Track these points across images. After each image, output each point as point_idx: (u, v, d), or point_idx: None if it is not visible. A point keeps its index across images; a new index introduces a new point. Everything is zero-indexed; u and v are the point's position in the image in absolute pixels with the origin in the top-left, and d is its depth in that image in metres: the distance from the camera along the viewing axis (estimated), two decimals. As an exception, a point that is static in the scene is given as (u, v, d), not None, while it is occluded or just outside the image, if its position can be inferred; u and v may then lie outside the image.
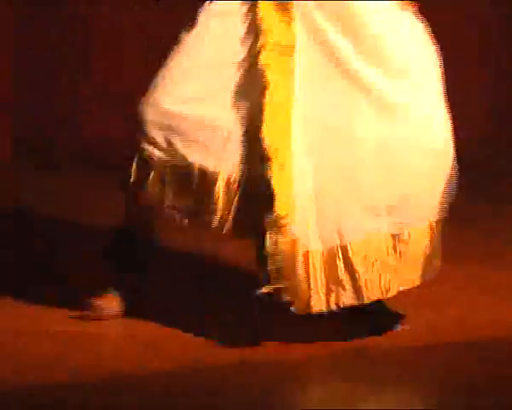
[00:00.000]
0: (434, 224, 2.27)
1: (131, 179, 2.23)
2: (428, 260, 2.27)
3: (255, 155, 2.16)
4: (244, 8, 2.19)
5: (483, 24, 5.23)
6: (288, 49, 2.17)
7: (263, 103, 2.14)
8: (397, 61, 2.22)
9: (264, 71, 2.15)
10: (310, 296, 2.16)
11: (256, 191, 2.15)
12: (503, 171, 4.29)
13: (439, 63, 2.26)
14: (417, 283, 2.29)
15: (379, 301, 2.29)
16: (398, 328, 2.38)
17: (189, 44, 2.21)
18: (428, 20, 2.31)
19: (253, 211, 2.15)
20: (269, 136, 2.13)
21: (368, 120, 2.19)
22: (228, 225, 2.18)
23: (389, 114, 2.20)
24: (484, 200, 3.86)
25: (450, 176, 2.27)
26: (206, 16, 2.21)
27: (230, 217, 2.17)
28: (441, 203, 2.28)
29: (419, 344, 2.36)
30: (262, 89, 2.14)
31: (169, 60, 2.23)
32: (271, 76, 2.15)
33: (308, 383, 2.22)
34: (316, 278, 2.17)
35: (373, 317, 2.35)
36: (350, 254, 2.18)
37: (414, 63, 2.23)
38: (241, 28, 2.20)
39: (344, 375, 2.19)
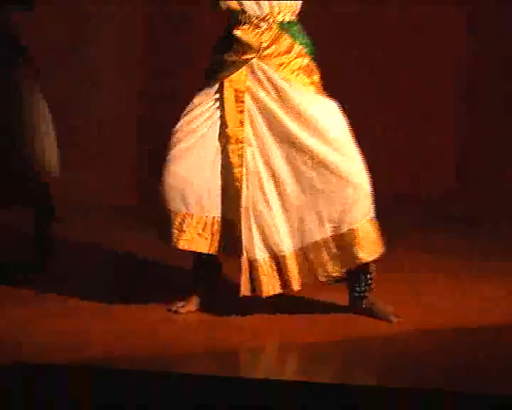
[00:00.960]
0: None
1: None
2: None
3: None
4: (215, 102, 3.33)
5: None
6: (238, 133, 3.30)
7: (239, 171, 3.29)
8: (323, 129, 3.26)
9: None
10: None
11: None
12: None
13: (346, 125, 3.31)
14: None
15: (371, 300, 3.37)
16: (393, 320, 3.35)
17: (186, 130, 3.32)
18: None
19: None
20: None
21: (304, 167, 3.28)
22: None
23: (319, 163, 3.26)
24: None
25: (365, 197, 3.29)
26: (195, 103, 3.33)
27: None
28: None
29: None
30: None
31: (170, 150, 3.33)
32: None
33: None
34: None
35: (371, 311, 3.37)
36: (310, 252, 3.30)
37: (333, 129, 3.28)
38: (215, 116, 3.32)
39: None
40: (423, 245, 4.62)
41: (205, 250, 3.31)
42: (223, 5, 3.32)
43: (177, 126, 3.33)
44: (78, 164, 5.30)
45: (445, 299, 3.71)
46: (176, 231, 3.29)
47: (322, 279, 3.31)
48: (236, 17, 3.30)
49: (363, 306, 3.38)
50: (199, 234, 3.29)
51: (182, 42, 6.09)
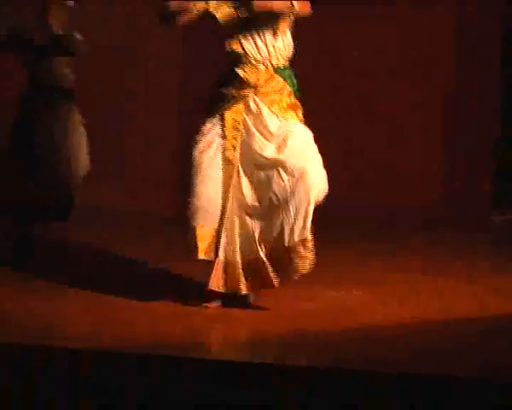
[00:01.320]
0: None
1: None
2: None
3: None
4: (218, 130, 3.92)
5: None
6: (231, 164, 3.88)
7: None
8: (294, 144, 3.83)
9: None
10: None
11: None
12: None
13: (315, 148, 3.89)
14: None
15: None
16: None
17: (200, 158, 3.88)
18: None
19: None
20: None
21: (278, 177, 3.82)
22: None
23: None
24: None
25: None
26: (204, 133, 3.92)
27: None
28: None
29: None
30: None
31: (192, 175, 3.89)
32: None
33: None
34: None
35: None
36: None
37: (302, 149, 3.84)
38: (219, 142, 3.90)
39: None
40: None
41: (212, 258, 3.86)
42: (228, 47, 3.85)
43: (194, 155, 3.87)
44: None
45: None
46: (200, 244, 3.82)
47: (265, 286, 3.85)
48: (239, 58, 3.84)
49: None
50: (214, 244, 3.84)
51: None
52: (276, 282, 3.80)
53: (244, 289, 3.84)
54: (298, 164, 3.75)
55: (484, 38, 6.68)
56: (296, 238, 3.73)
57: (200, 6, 3.82)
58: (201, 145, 3.86)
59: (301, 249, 3.75)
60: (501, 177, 6.78)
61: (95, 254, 5.18)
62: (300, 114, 3.91)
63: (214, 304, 3.93)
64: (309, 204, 3.73)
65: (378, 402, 2.88)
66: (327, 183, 3.84)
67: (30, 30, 5.01)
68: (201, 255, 3.83)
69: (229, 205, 3.82)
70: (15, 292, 4.27)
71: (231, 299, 3.91)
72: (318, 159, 3.84)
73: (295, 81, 3.93)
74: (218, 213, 3.82)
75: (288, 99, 3.87)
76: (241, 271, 3.82)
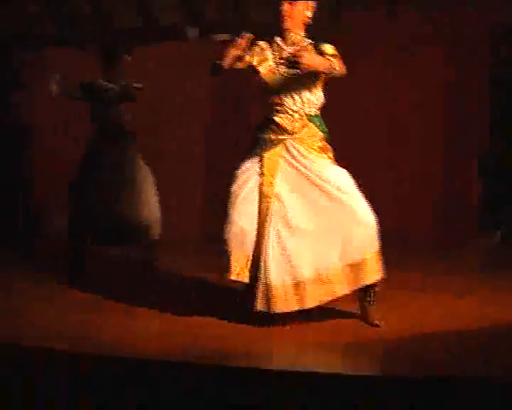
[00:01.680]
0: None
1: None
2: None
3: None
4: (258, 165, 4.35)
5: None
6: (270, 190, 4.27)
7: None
8: (337, 183, 4.27)
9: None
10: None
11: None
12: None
13: (353, 182, 4.31)
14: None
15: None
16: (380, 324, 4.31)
17: (239, 191, 4.30)
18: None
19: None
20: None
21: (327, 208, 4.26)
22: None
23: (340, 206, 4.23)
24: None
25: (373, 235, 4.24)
26: (243, 169, 4.37)
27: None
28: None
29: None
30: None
31: (230, 205, 4.31)
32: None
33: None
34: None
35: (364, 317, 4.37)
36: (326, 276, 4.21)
37: (344, 183, 4.29)
38: (257, 180, 4.33)
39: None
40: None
41: (247, 280, 4.28)
42: (267, 97, 4.33)
43: (233, 189, 4.33)
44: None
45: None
46: (233, 267, 4.24)
47: (336, 296, 4.21)
48: (277, 108, 4.31)
49: (364, 313, 4.34)
50: (248, 269, 4.23)
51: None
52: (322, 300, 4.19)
53: (313, 304, 4.20)
54: (347, 201, 4.19)
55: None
56: (345, 261, 4.15)
57: (247, 60, 4.26)
58: (240, 181, 4.32)
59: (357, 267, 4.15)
60: (489, 195, 7.21)
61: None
62: (331, 155, 4.38)
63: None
64: (357, 238, 4.16)
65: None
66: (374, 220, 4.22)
67: (98, 82, 5.74)
68: (234, 277, 4.24)
69: (266, 233, 4.20)
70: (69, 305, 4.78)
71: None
72: (361, 196, 4.26)
73: (325, 126, 4.40)
74: (253, 241, 4.22)
75: (320, 143, 4.33)
76: (309, 286, 4.17)
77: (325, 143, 4.37)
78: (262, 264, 4.17)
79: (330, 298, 4.21)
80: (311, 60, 4.06)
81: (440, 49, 7.10)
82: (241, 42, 4.14)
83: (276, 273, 4.15)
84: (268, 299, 4.16)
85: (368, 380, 3.48)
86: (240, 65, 4.25)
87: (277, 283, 4.16)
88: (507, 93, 7.30)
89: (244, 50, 4.17)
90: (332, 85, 4.40)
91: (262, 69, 4.29)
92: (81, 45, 7.40)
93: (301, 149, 4.29)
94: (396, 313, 4.46)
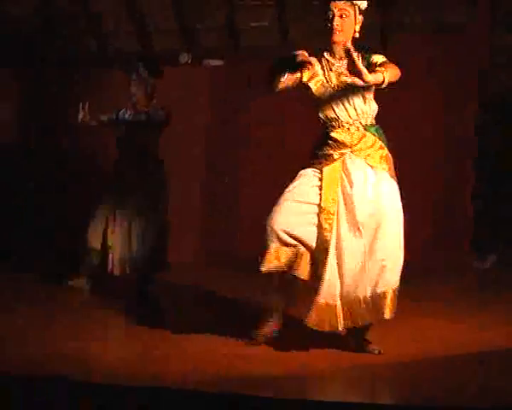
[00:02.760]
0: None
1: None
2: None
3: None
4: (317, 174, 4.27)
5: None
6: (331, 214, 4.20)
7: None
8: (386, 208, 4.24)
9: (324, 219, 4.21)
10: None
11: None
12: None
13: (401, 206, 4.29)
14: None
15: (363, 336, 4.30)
16: (376, 352, 4.28)
17: (294, 192, 4.22)
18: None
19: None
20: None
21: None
22: None
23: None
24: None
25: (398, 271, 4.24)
26: (301, 175, 4.28)
27: None
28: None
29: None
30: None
31: (284, 197, 4.23)
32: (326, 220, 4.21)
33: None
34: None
35: (359, 345, 4.31)
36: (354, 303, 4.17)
37: (392, 211, 4.26)
38: (316, 187, 4.24)
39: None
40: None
41: (303, 276, 4.20)
42: (321, 113, 4.26)
43: (288, 189, 4.24)
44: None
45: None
46: (268, 259, 4.17)
47: (357, 325, 4.18)
48: (332, 122, 4.24)
49: (359, 344, 4.31)
50: (297, 263, 4.18)
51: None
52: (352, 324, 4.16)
53: (341, 327, 4.17)
54: (382, 231, 4.14)
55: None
56: (369, 291, 4.13)
57: (297, 76, 4.15)
58: (296, 183, 4.25)
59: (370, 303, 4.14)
60: (480, 223, 7.31)
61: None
62: (392, 166, 4.27)
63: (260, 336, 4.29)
64: (385, 271, 4.15)
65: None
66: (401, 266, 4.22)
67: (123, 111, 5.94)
68: (264, 268, 4.17)
69: (330, 249, 4.13)
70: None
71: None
72: (399, 227, 4.22)
73: (383, 136, 4.31)
74: (312, 238, 4.17)
75: (380, 151, 4.24)
76: (339, 311, 4.13)
77: (386, 153, 4.27)
78: (325, 282, 4.12)
79: (352, 325, 4.19)
80: (365, 81, 3.98)
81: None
82: (304, 58, 4.08)
83: (329, 293, 4.14)
84: (322, 317, 4.14)
85: (368, 408, 3.49)
86: (290, 83, 4.17)
87: (328, 302, 4.15)
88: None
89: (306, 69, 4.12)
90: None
91: (313, 85, 4.24)
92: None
93: (358, 160, 4.20)
94: (392, 338, 4.46)
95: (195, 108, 7.67)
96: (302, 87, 4.24)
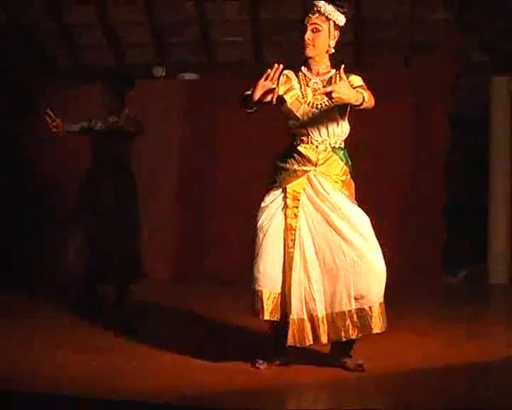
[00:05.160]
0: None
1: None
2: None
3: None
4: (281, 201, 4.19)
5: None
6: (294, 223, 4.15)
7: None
8: (357, 226, 4.15)
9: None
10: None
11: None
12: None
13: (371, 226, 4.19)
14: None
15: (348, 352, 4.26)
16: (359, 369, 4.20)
17: (266, 226, 4.17)
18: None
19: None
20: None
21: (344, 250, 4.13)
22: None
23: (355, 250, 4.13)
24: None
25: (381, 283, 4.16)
26: (267, 203, 4.22)
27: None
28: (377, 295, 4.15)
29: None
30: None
31: (258, 245, 4.18)
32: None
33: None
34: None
35: (344, 362, 4.24)
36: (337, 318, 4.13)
37: (364, 227, 4.17)
38: (282, 212, 4.18)
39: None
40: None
41: (278, 319, 4.11)
42: (292, 127, 4.18)
43: (259, 224, 4.16)
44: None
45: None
46: (266, 306, 4.09)
47: (343, 339, 4.10)
48: (301, 137, 4.15)
49: (345, 362, 4.22)
50: (278, 307, 4.10)
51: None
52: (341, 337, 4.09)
53: (325, 341, 4.11)
54: (362, 246, 4.08)
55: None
56: (352, 306, 4.06)
57: (275, 92, 4.00)
58: (265, 215, 4.17)
59: (354, 316, 4.07)
60: (452, 241, 7.39)
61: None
62: (353, 192, 4.22)
63: (264, 365, 4.20)
64: (369, 286, 4.07)
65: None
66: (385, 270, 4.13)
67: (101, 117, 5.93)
68: (267, 317, 4.09)
69: (294, 267, 4.09)
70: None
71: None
72: (377, 243, 4.15)
73: (350, 161, 4.23)
74: (280, 277, 4.10)
75: (343, 177, 4.18)
76: (322, 324, 4.09)
77: (349, 179, 4.21)
78: (293, 299, 4.09)
79: (338, 339, 4.13)
80: (345, 94, 3.94)
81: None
82: (272, 73, 3.94)
83: (303, 307, 4.11)
84: (299, 333, 4.10)
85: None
86: (268, 97, 4.03)
87: (304, 316, 4.12)
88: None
89: (275, 82, 3.97)
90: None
91: (288, 98, 4.15)
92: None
93: (323, 181, 4.15)
94: (359, 353, 4.46)
95: (170, 121, 7.69)
96: (278, 101, 4.11)
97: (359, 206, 4.21)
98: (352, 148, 4.29)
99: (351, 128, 4.24)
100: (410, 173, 7.46)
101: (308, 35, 4.14)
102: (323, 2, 4.16)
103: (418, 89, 7.48)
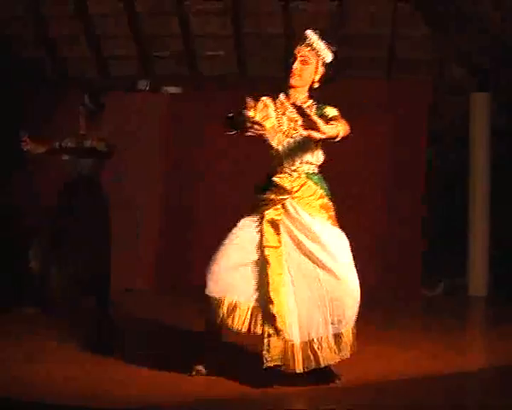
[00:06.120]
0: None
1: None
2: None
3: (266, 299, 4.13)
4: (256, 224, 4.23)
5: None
6: (277, 249, 4.17)
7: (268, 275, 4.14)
8: (334, 253, 4.17)
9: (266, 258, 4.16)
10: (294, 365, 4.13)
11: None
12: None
13: (349, 250, 4.23)
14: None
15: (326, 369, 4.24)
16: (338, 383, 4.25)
17: (232, 242, 4.20)
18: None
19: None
20: (273, 292, 4.12)
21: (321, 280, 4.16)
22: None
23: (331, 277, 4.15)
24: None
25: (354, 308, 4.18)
26: (240, 226, 4.25)
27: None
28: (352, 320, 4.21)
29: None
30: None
31: (218, 252, 4.20)
32: (270, 259, 4.16)
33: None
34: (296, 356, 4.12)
35: (324, 376, 4.24)
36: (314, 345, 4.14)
37: (341, 254, 4.19)
38: (255, 234, 4.21)
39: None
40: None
41: (239, 328, 4.10)
42: (270, 157, 4.22)
43: (228, 237, 4.19)
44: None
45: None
46: (221, 314, 4.10)
47: (322, 365, 4.09)
48: (277, 168, 4.22)
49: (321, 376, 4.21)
50: (239, 315, 4.11)
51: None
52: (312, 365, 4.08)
53: (300, 369, 4.08)
54: (338, 270, 4.10)
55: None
56: (329, 331, 4.09)
57: (251, 115, 3.96)
58: (237, 231, 4.21)
59: (331, 342, 4.10)
60: (432, 254, 7.48)
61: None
62: (332, 214, 4.25)
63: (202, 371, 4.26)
64: (345, 310, 4.10)
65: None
66: (359, 290, 4.15)
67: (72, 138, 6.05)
68: (218, 321, 4.10)
69: (282, 288, 4.09)
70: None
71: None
72: (352, 266, 4.18)
73: (326, 185, 4.28)
74: (251, 290, 4.12)
75: (320, 201, 4.22)
76: (297, 351, 4.08)
77: (326, 202, 4.25)
78: (278, 319, 4.07)
79: (316, 366, 4.11)
80: (319, 134, 3.92)
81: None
82: (251, 104, 3.96)
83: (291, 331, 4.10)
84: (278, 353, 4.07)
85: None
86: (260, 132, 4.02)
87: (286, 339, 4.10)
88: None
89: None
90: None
91: (267, 124, 4.16)
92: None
93: (299, 208, 4.19)
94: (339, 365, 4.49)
95: (153, 133, 7.74)
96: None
97: (341, 227, 4.24)
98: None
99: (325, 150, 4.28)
100: (388, 187, 7.55)
101: (296, 65, 4.21)
102: (316, 37, 4.25)
103: (397, 105, 7.57)
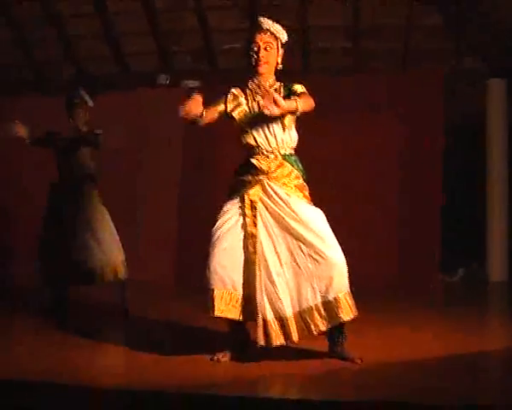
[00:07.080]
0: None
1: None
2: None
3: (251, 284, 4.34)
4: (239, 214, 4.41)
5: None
6: (259, 230, 4.36)
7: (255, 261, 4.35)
8: (313, 226, 4.34)
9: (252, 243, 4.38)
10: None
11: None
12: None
13: (327, 223, 4.37)
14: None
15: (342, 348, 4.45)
16: (358, 362, 4.36)
17: (221, 231, 4.38)
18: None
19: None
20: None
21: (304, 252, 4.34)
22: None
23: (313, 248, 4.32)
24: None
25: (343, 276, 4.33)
26: (224, 211, 4.42)
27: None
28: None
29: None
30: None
31: (212, 244, 4.38)
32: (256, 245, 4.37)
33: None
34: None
35: (342, 356, 4.43)
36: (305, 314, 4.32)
37: (319, 226, 4.35)
38: (239, 217, 4.40)
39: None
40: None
41: (236, 317, 4.34)
42: (243, 140, 4.45)
43: (214, 229, 4.38)
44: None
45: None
46: (217, 304, 4.30)
47: (314, 333, 4.30)
48: (252, 150, 4.44)
49: (338, 351, 4.43)
50: (233, 305, 4.32)
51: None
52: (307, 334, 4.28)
53: (296, 338, 4.29)
54: (318, 242, 4.29)
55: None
56: (319, 299, 4.28)
57: (220, 110, 4.39)
58: (221, 221, 4.42)
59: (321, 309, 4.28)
60: (447, 244, 7.52)
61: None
62: (307, 194, 4.45)
63: (224, 357, 4.41)
64: (333, 277, 4.27)
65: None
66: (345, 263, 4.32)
67: (59, 131, 6.00)
68: (218, 313, 4.31)
69: (258, 272, 4.31)
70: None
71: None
72: (332, 236, 4.36)
73: (301, 165, 4.48)
74: (237, 278, 4.34)
75: (295, 181, 4.41)
76: (291, 322, 4.28)
77: (301, 182, 4.45)
78: (258, 301, 4.30)
79: (310, 334, 4.31)
80: (278, 108, 4.16)
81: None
82: (196, 98, 4.31)
83: (269, 309, 4.30)
84: (267, 334, 4.28)
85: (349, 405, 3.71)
86: (215, 115, 4.40)
87: (271, 318, 4.30)
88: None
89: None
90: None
91: (236, 115, 4.44)
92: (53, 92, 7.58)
93: (276, 187, 4.38)
94: (359, 345, 4.57)
95: (172, 128, 7.85)
96: (227, 118, 4.43)
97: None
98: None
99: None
100: (408, 175, 7.61)
101: (262, 53, 4.38)
102: (270, 21, 4.41)
103: (413, 96, 7.61)
